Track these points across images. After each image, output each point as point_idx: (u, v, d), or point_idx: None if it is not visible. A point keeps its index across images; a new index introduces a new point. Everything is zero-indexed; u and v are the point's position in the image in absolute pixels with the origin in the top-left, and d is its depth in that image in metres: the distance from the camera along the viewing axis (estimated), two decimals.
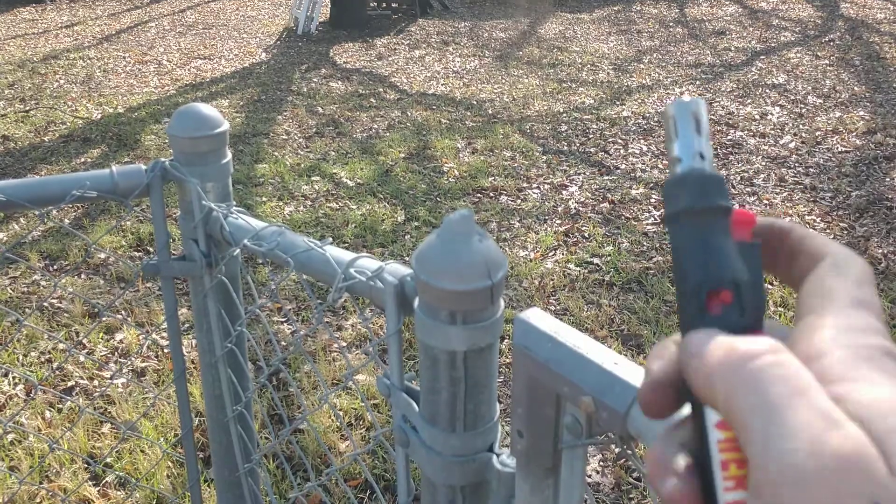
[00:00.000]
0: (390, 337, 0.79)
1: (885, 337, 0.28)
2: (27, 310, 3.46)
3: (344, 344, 3.23)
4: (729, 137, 5.93)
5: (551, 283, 3.76)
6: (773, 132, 6.03)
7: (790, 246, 0.36)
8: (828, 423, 0.24)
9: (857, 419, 0.24)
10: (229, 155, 1.15)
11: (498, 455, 0.77)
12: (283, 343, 3.33)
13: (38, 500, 2.36)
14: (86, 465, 2.52)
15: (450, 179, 5.15)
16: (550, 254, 4.08)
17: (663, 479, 0.31)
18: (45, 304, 3.49)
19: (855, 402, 0.25)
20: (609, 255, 4.02)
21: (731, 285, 0.32)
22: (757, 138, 5.91)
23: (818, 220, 4.45)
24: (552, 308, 3.56)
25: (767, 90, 7.21)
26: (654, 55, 8.87)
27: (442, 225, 0.71)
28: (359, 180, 5.15)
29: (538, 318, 0.64)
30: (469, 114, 6.74)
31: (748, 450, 0.25)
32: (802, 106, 6.70)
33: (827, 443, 0.23)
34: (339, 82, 7.89)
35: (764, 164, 5.37)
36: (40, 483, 2.45)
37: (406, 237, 4.26)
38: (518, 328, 0.64)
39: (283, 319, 3.46)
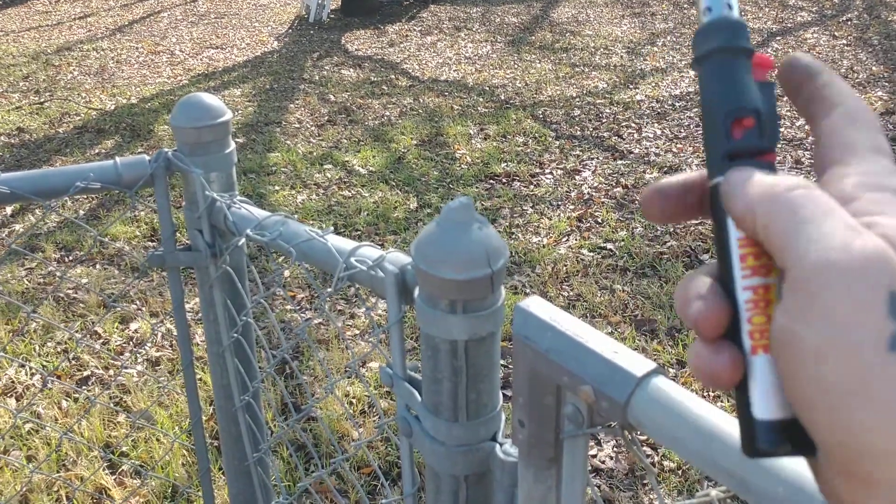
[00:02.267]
0: (391, 326, 0.79)
1: None
2: (43, 300, 3.48)
3: (357, 331, 3.24)
4: None
5: (564, 268, 3.74)
6: (788, 114, 5.96)
7: (812, 88, 0.38)
8: (853, 231, 0.29)
9: (883, 236, 0.29)
10: (233, 145, 1.14)
11: (501, 444, 0.77)
12: (294, 332, 3.34)
13: (55, 488, 2.39)
14: (102, 454, 2.55)
15: (462, 166, 5.14)
16: (564, 239, 4.07)
17: (689, 305, 0.34)
18: (61, 294, 3.52)
19: (884, 224, 0.29)
20: (622, 240, 4.00)
21: (753, 112, 0.36)
22: None
23: None
24: (565, 294, 3.54)
25: None
26: (668, 38, 8.78)
27: (441, 213, 0.70)
28: (371, 168, 5.14)
29: (538, 306, 0.63)
30: (481, 100, 6.71)
31: (786, 258, 0.30)
32: None
33: (852, 244, 0.28)
34: (351, 70, 7.87)
35: (780, 146, 5.31)
36: (57, 472, 2.47)
37: (419, 224, 4.25)
38: (518, 317, 0.63)
39: (297, 307, 3.47)
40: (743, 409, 0.34)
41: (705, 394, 2.82)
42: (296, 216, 4.36)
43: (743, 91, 0.36)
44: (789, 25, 8.95)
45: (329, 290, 0.81)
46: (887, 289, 0.27)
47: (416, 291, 0.74)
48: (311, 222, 4.30)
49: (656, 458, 2.53)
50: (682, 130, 5.71)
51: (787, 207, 0.31)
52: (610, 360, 0.56)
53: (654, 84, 6.96)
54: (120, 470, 2.49)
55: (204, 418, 2.68)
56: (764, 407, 0.33)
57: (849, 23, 8.87)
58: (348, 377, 2.92)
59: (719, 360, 0.34)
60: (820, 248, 0.28)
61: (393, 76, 7.60)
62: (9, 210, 4.49)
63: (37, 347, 3.14)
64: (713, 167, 0.36)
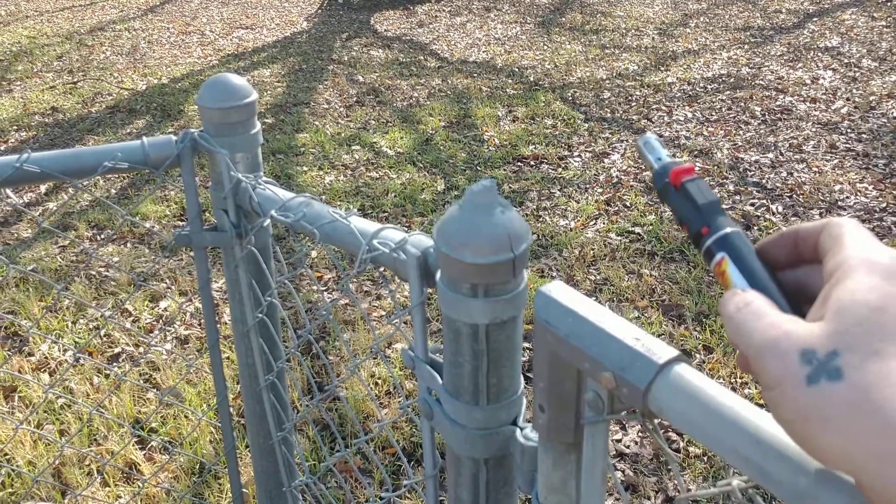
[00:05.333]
0: (413, 309, 0.79)
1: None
2: (75, 277, 3.54)
3: (384, 312, 3.25)
4: (778, 103, 5.77)
5: (591, 252, 3.72)
6: (824, 97, 5.85)
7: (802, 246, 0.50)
8: (772, 327, 0.43)
9: (830, 306, 0.41)
10: (258, 125, 1.14)
11: (522, 428, 0.77)
12: (319, 312, 3.36)
13: (86, 462, 2.44)
14: (132, 430, 2.59)
15: (490, 148, 5.11)
16: (591, 223, 4.04)
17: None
18: (93, 272, 3.57)
19: (832, 297, 0.42)
20: (651, 225, 3.96)
21: (679, 221, 0.56)
22: (807, 104, 5.73)
23: (870, 187, 4.32)
24: (592, 278, 3.52)
25: (819, 53, 6.98)
26: (702, 18, 8.64)
27: (464, 196, 0.69)
28: (399, 149, 5.14)
29: (560, 291, 0.62)
30: (510, 81, 6.66)
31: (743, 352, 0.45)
32: (856, 69, 6.48)
33: (769, 336, 0.42)
34: (380, 50, 7.85)
35: (814, 130, 5.22)
36: (89, 446, 2.52)
37: (445, 206, 4.25)
38: (539, 302, 0.62)
39: (324, 288, 3.50)
40: None
41: (729, 382, 2.80)
42: (323, 197, 4.38)
43: (675, 210, 0.56)
44: (826, 6, 8.76)
45: (351, 271, 0.81)
46: (799, 349, 0.40)
47: (438, 274, 0.73)
48: (339, 203, 4.31)
49: (682, 444, 2.52)
50: (714, 113, 5.63)
51: (733, 326, 0.45)
52: (631, 347, 0.56)
53: (685, 66, 6.86)
54: (149, 445, 2.54)
55: (231, 396, 2.72)
56: None
57: (888, 3, 8.65)
58: (374, 358, 2.93)
59: None
60: (752, 346, 0.43)
61: (422, 57, 7.57)
62: (43, 188, 4.56)
63: (69, 324, 3.20)
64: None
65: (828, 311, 0.41)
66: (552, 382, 0.63)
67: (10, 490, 2.33)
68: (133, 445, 2.52)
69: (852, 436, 0.37)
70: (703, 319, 3.15)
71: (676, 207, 0.56)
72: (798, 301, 0.48)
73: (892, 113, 5.45)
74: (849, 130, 5.17)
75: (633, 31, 8.27)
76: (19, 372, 2.89)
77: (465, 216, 0.68)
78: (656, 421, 0.60)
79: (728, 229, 0.52)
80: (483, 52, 7.71)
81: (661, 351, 0.55)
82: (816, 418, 0.39)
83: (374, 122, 5.72)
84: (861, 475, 0.37)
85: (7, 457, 2.46)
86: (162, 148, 1.08)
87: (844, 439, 0.37)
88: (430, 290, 0.80)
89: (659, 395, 0.54)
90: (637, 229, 3.94)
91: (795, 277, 0.50)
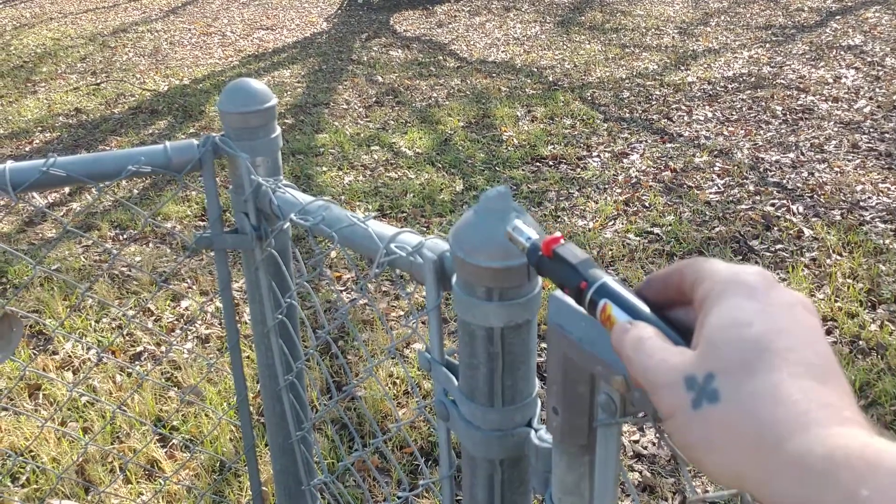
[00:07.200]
0: (430, 312, 0.80)
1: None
2: (98, 277, 3.59)
3: (402, 312, 3.27)
4: (799, 102, 5.72)
5: (610, 252, 3.71)
6: (846, 96, 5.79)
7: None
8: (660, 359, 0.45)
9: (703, 332, 0.43)
10: (278, 129, 1.16)
11: (536, 430, 0.78)
12: (337, 314, 3.38)
13: (109, 459, 2.48)
14: (153, 428, 2.63)
15: (509, 148, 5.12)
16: (610, 223, 4.03)
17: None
18: (116, 272, 3.62)
19: (705, 323, 0.44)
20: (670, 225, 3.95)
21: (559, 285, 0.57)
22: (829, 103, 5.68)
23: (892, 188, 4.27)
24: None
25: (842, 52, 6.91)
26: (722, 17, 8.58)
27: (479, 201, 0.70)
28: (418, 149, 5.15)
29: None
30: (529, 81, 6.66)
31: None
32: (880, 68, 6.41)
33: (657, 365, 0.44)
34: (399, 51, 7.87)
35: (836, 129, 5.17)
36: (111, 444, 2.56)
37: (464, 207, 4.26)
38: (552, 305, 0.63)
39: (343, 288, 3.52)
40: None
41: None
42: (343, 197, 4.41)
43: (555, 279, 0.58)
44: (849, 4, 8.67)
45: (368, 274, 0.82)
46: (682, 375, 0.42)
47: (454, 278, 0.74)
48: (358, 203, 4.33)
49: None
50: (734, 113, 5.60)
51: (632, 366, 0.47)
52: None
53: (706, 65, 6.82)
54: (170, 443, 2.57)
55: (251, 395, 2.74)
56: None
57: None
58: (392, 358, 2.95)
59: None
60: (648, 382, 0.45)
61: (441, 57, 7.58)
62: (67, 189, 4.62)
63: (93, 323, 3.25)
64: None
65: (702, 336, 0.43)
66: (566, 385, 0.64)
67: (35, 486, 2.37)
68: (155, 443, 2.55)
69: (737, 452, 0.39)
70: None
71: (554, 273, 0.57)
72: (685, 338, 0.49)
73: None
74: (871, 130, 5.12)
75: (653, 30, 8.23)
76: (44, 370, 2.93)
77: (480, 221, 0.69)
78: None
79: (604, 278, 0.54)
80: (502, 51, 7.71)
81: None
82: (704, 441, 0.40)
83: (393, 122, 5.74)
84: (754, 489, 0.38)
85: (32, 454, 2.50)
86: (184, 152, 1.10)
87: (731, 457, 0.39)
88: (446, 293, 0.82)
89: None
90: (656, 230, 3.92)
91: (676, 318, 0.51)
